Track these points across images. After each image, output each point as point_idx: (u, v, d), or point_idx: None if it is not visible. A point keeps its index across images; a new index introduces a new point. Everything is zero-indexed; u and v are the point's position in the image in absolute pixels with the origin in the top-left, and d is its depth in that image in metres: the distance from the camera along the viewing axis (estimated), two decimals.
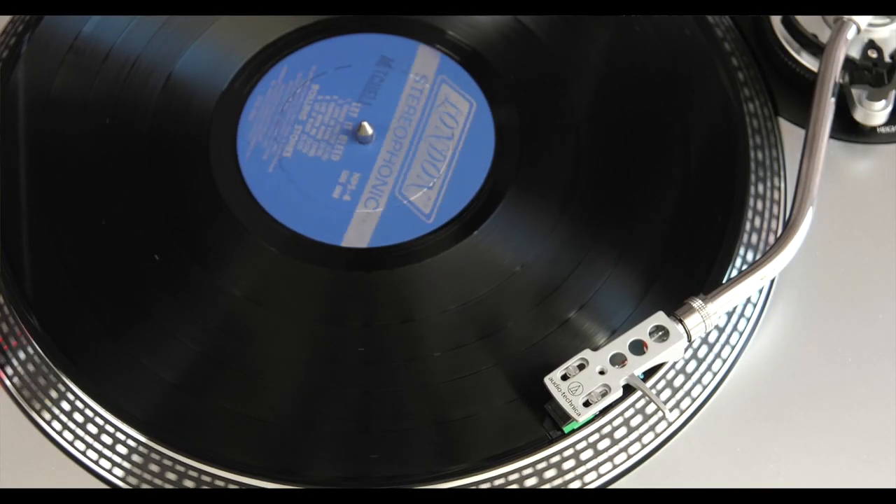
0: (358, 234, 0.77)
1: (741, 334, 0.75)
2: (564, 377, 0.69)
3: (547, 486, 0.71)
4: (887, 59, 0.80)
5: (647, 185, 0.77)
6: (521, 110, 0.80)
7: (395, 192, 0.78)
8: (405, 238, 0.76)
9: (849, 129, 0.80)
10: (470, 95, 0.81)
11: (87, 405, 0.72)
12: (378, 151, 0.79)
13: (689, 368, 0.73)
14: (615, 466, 0.72)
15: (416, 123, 0.80)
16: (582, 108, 0.80)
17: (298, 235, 0.76)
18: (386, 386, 0.72)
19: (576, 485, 0.71)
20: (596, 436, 0.71)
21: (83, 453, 0.72)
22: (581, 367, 0.69)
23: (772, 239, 0.77)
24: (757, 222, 0.76)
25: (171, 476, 0.71)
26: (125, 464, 0.72)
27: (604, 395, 0.69)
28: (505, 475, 0.70)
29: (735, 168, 0.77)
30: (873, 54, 0.80)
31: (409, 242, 0.76)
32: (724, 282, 0.72)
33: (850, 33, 0.78)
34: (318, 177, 0.79)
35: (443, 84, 0.81)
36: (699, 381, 0.73)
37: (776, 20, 0.82)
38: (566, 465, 0.71)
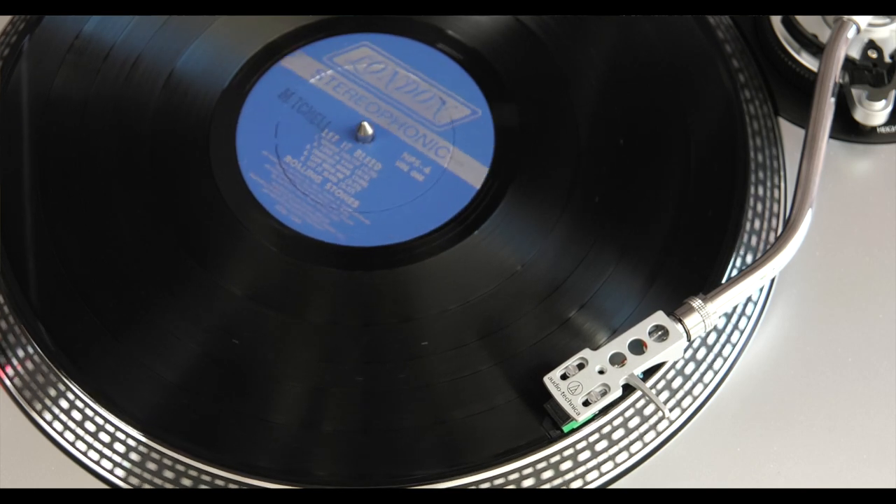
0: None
1: (741, 335, 0.75)
2: (564, 376, 0.69)
3: (547, 486, 0.71)
4: (887, 59, 0.80)
5: (647, 184, 0.77)
6: (521, 110, 0.80)
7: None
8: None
9: (849, 129, 0.80)
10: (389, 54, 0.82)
11: (87, 405, 0.72)
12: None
13: (690, 369, 0.73)
14: (615, 466, 0.72)
15: (388, 100, 0.81)
16: (582, 107, 0.80)
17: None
18: (386, 386, 0.72)
19: (576, 484, 0.71)
20: (596, 435, 0.71)
21: (83, 453, 0.72)
22: (580, 366, 0.69)
23: (772, 239, 0.77)
24: (757, 222, 0.77)
25: (171, 476, 0.71)
26: (125, 463, 0.72)
27: (603, 394, 0.69)
28: (504, 475, 0.70)
29: (735, 168, 0.77)
30: (873, 54, 0.80)
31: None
32: (723, 282, 0.72)
33: (850, 33, 0.78)
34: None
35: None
36: (699, 380, 0.73)
37: (776, 20, 0.82)
38: (566, 465, 0.71)
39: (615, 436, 0.72)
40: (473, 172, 0.79)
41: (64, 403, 0.73)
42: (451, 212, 0.77)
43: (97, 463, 0.72)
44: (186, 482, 0.71)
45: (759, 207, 0.77)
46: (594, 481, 0.71)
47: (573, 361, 0.69)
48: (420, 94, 0.81)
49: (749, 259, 0.76)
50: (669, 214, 0.76)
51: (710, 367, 0.74)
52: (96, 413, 0.72)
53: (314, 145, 0.80)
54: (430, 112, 0.81)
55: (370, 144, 0.80)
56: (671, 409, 0.73)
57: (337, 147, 0.80)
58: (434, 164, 0.79)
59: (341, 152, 0.80)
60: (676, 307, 0.71)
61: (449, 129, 0.80)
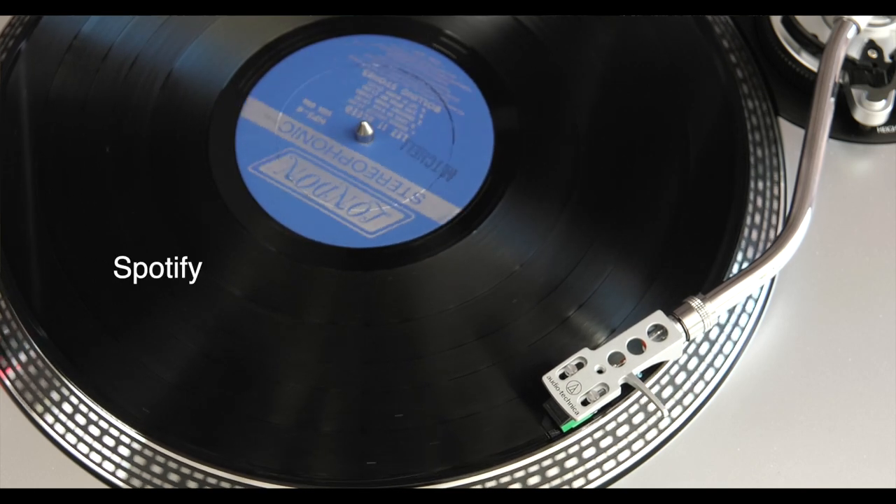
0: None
1: (741, 334, 0.75)
2: (563, 376, 0.69)
3: (546, 486, 0.71)
4: (887, 59, 0.80)
5: (646, 184, 0.77)
6: (521, 110, 0.80)
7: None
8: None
9: (849, 129, 0.80)
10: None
11: (87, 405, 0.72)
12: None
13: (689, 368, 0.73)
14: (615, 466, 0.72)
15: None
16: (581, 107, 0.80)
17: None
18: (386, 385, 0.72)
19: (575, 484, 0.71)
20: (595, 435, 0.71)
21: (82, 452, 0.72)
22: (579, 365, 0.69)
23: (771, 239, 0.77)
24: (756, 222, 0.76)
25: (171, 476, 0.71)
26: (125, 463, 0.72)
27: (602, 393, 0.69)
28: (504, 475, 0.70)
29: (735, 167, 0.77)
30: (873, 54, 0.80)
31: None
32: (723, 281, 0.72)
33: (850, 33, 0.78)
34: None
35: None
36: (699, 380, 0.73)
37: (776, 20, 0.82)
38: (565, 465, 0.71)
39: (614, 435, 0.72)
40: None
41: (64, 404, 0.73)
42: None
43: (96, 463, 0.72)
44: (186, 482, 0.71)
45: (759, 207, 0.77)
46: (594, 481, 0.71)
47: (572, 361, 0.69)
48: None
49: (749, 258, 0.76)
50: (669, 214, 0.76)
51: (709, 366, 0.74)
52: (96, 413, 0.72)
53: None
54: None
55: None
56: (670, 409, 0.72)
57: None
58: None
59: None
60: (676, 307, 0.71)
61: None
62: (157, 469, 0.71)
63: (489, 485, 0.70)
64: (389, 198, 0.78)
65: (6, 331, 0.75)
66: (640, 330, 0.70)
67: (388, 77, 0.82)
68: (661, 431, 0.72)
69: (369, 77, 0.81)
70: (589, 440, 0.71)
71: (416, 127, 0.80)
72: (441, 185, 0.78)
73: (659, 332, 0.70)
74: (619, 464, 0.72)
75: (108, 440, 0.72)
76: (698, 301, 0.70)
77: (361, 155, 0.80)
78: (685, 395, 0.73)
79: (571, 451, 0.71)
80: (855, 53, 0.80)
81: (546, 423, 0.70)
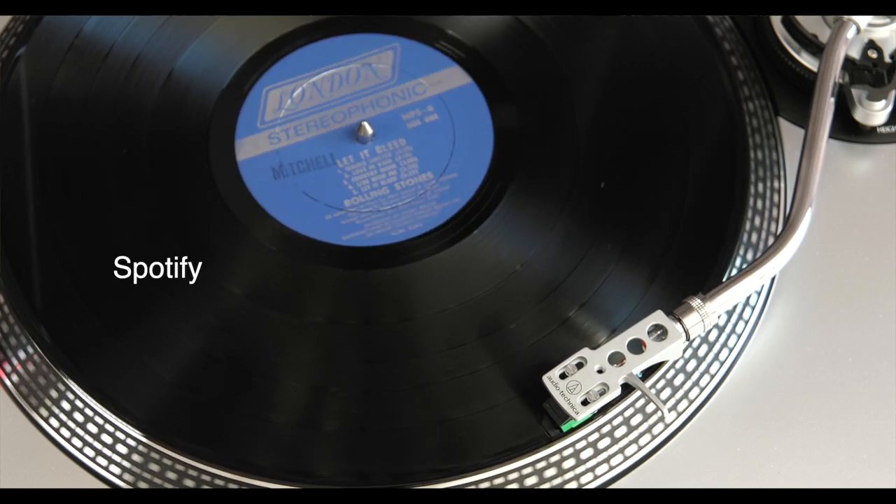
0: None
1: (741, 334, 0.75)
2: (563, 376, 0.69)
3: (546, 486, 0.71)
4: (887, 59, 0.80)
5: (646, 184, 0.77)
6: (521, 109, 0.80)
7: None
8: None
9: (849, 129, 0.80)
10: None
11: (86, 404, 0.72)
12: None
13: (689, 368, 0.73)
14: (615, 466, 0.72)
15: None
16: (582, 107, 0.80)
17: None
18: (386, 385, 0.72)
19: (575, 484, 0.71)
20: (595, 435, 0.71)
21: (83, 452, 0.72)
22: (579, 365, 0.69)
23: (771, 239, 0.77)
24: (756, 222, 0.76)
25: (171, 475, 0.71)
26: (125, 463, 0.72)
27: (602, 393, 0.69)
28: (504, 474, 0.70)
29: (735, 168, 0.77)
30: (873, 54, 0.80)
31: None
32: (723, 281, 0.72)
33: (850, 33, 0.78)
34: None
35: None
36: (699, 380, 0.73)
37: (776, 20, 0.82)
38: (565, 465, 0.71)
39: (615, 435, 0.72)
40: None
41: (64, 403, 0.73)
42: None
43: (97, 463, 0.72)
44: (186, 482, 0.71)
45: (759, 207, 0.77)
46: (594, 481, 0.71)
47: (572, 360, 0.69)
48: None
49: (749, 258, 0.76)
50: (669, 214, 0.76)
51: (708, 367, 0.74)
52: (96, 413, 0.72)
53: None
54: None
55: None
56: (671, 409, 0.72)
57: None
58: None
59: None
60: (676, 306, 0.71)
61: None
62: (157, 468, 0.71)
63: (489, 484, 0.70)
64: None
65: (6, 330, 0.75)
66: (640, 330, 0.70)
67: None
68: (661, 431, 0.72)
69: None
70: (589, 440, 0.71)
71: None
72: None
73: (659, 332, 0.70)
74: (619, 463, 0.72)
75: (108, 440, 0.72)
76: (698, 301, 0.70)
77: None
78: (685, 395, 0.73)
79: (572, 450, 0.71)
80: (855, 53, 0.80)
81: (546, 422, 0.70)
